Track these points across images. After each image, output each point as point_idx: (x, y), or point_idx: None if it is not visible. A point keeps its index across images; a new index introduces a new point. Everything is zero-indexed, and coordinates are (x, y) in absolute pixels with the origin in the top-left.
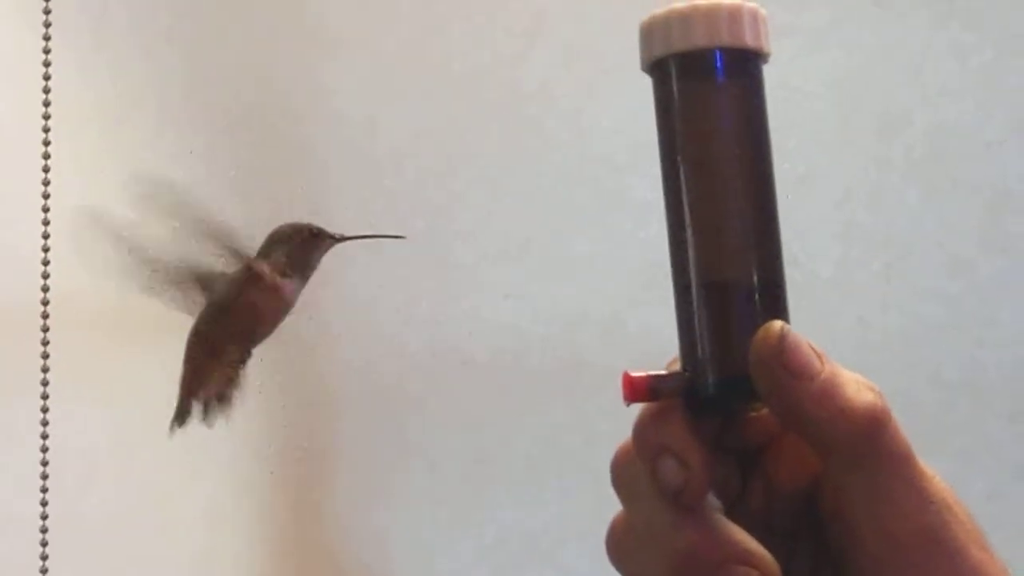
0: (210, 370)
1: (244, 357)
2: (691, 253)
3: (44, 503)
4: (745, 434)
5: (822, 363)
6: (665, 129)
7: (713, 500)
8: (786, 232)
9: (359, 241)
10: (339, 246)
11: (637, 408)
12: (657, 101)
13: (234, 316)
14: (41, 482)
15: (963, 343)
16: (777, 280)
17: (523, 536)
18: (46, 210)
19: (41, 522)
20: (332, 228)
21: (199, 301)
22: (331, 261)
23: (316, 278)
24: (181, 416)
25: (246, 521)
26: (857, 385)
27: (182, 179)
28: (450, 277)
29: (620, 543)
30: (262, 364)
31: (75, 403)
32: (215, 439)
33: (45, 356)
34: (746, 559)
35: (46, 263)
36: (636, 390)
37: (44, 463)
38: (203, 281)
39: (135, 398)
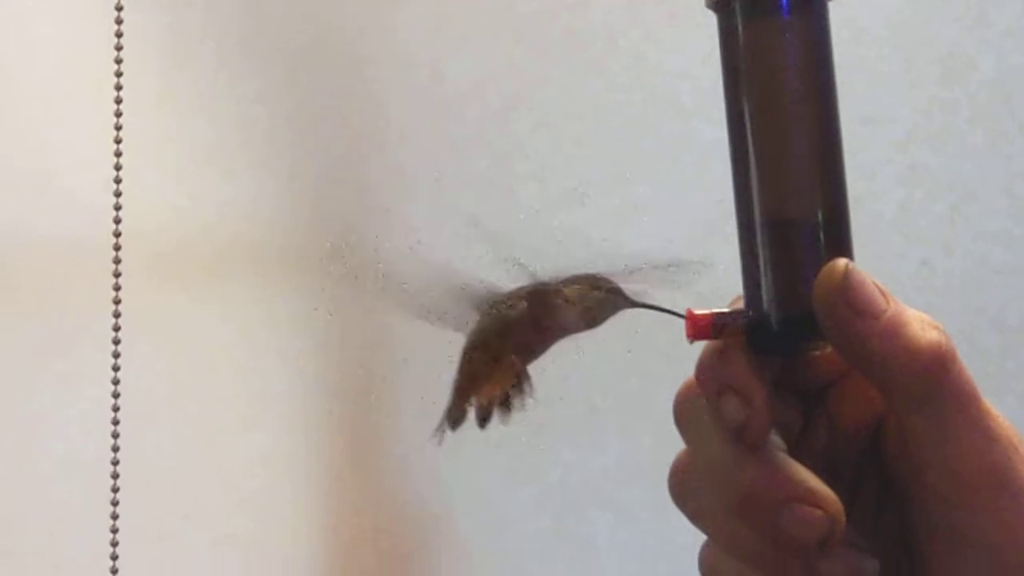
0: (488, 375)
1: (524, 368)
2: (755, 191)
3: (116, 434)
4: (808, 373)
5: (887, 301)
6: (729, 66)
7: (776, 439)
8: (849, 173)
9: (426, 181)
10: (400, 185)
11: (699, 348)
12: (721, 38)
13: (518, 331)
14: (112, 415)
15: None
16: (841, 218)
17: (585, 479)
18: (118, 154)
19: (112, 454)
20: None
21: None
22: (391, 199)
23: (378, 220)
24: (455, 419)
25: (304, 464)
26: (922, 324)
27: (241, 123)
28: (512, 220)
29: (682, 482)
30: (321, 306)
31: (140, 345)
32: (274, 381)
33: (117, 290)
34: (809, 498)
35: (118, 201)
36: (699, 328)
37: (115, 398)
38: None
39: (198, 341)
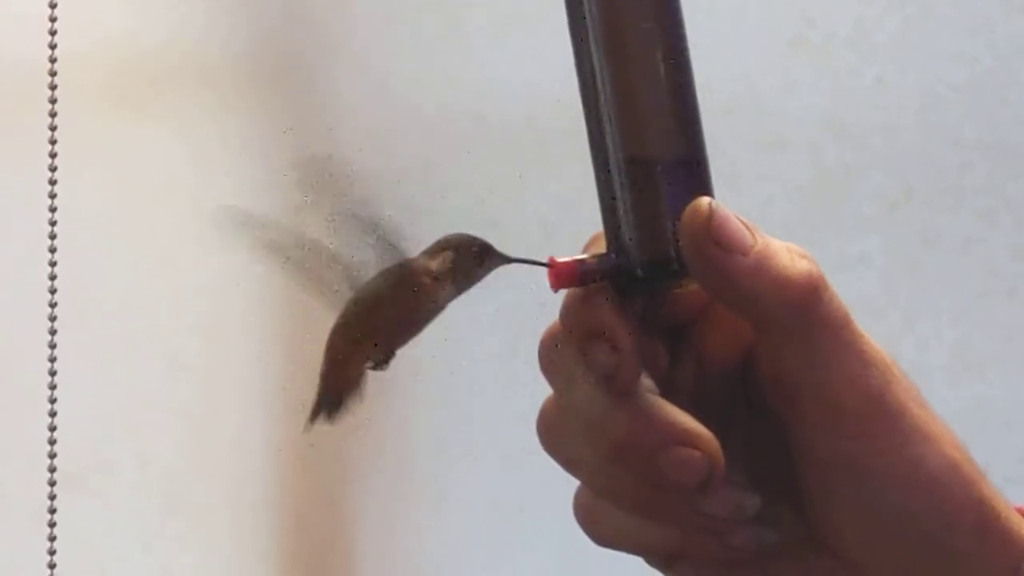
0: (351, 366)
1: (387, 358)
2: (610, 131)
3: (53, 263)
4: (672, 311)
5: (754, 236)
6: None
7: (647, 382)
8: None
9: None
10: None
11: None
12: None
13: (383, 312)
14: (49, 242)
15: (983, 102)
16: (700, 155)
17: (538, 300)
18: None
19: (49, 283)
20: None
21: (343, 293)
22: (341, 23)
23: (325, 41)
24: (318, 413)
25: (258, 288)
26: (790, 254)
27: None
28: (464, 38)
29: (553, 429)
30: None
31: (82, 168)
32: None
33: (52, 115)
34: (685, 439)
35: (53, 18)
36: (562, 276)
37: (52, 223)
38: (351, 274)
39: (143, 164)
